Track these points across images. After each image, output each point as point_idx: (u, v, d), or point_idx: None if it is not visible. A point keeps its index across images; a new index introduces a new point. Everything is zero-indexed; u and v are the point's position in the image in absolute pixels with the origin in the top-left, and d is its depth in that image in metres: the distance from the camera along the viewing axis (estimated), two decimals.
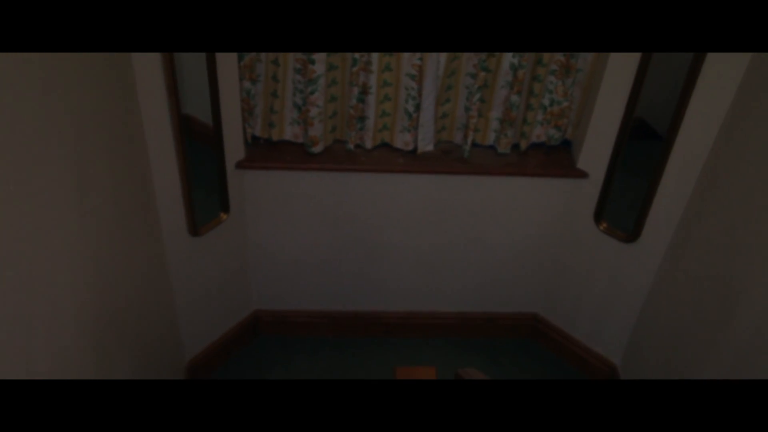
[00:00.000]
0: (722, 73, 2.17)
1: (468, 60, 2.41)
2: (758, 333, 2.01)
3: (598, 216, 2.63)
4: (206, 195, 2.47)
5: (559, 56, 2.39)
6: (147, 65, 1.97)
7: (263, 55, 2.32)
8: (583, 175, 2.56)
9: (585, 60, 2.40)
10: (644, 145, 2.57)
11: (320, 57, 2.26)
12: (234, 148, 2.42)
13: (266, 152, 2.53)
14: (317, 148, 2.49)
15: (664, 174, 2.42)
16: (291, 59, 2.32)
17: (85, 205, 1.65)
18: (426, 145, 2.54)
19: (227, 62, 2.18)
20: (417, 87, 2.38)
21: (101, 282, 1.81)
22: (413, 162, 2.55)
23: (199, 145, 2.36)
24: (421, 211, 2.68)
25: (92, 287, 1.75)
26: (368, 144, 2.55)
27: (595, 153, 2.51)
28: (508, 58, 2.37)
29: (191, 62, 2.14)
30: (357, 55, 2.29)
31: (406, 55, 2.32)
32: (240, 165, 2.46)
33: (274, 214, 2.67)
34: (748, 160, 2.12)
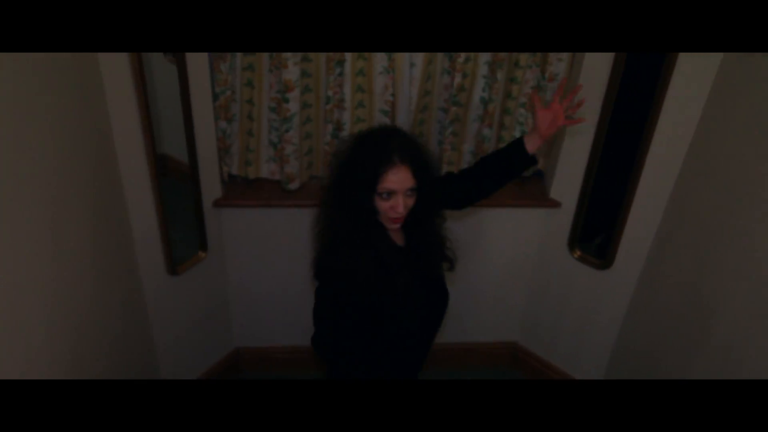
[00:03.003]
0: (687, 98, 2.25)
1: (439, 95, 2.46)
2: (731, 354, 2.05)
3: (572, 244, 2.68)
4: (185, 234, 2.49)
5: (528, 89, 2.45)
6: (122, 104, 2.01)
7: (238, 94, 2.36)
8: (555, 204, 2.61)
9: (553, 92, 2.47)
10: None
11: (294, 95, 2.30)
12: (211, 187, 2.44)
13: (243, 190, 2.56)
14: (294, 185, 2.52)
15: (635, 199, 2.48)
16: (266, 98, 2.37)
17: (59, 246, 1.66)
18: None
19: (202, 102, 2.22)
20: (390, 122, 2.43)
21: (76, 324, 1.81)
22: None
23: (176, 184, 2.39)
24: None
25: (67, 330, 1.75)
26: None
27: (567, 182, 2.57)
28: (478, 92, 2.42)
29: (167, 102, 2.18)
30: (330, 92, 2.34)
31: (378, 90, 2.37)
32: (217, 203, 2.48)
33: (253, 250, 2.69)
34: (714, 183, 2.18)
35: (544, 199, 2.63)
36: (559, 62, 2.40)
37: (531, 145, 1.88)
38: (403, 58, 2.29)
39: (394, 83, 2.34)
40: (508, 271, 2.86)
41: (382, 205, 1.66)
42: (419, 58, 2.33)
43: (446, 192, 1.95)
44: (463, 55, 2.31)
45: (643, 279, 2.58)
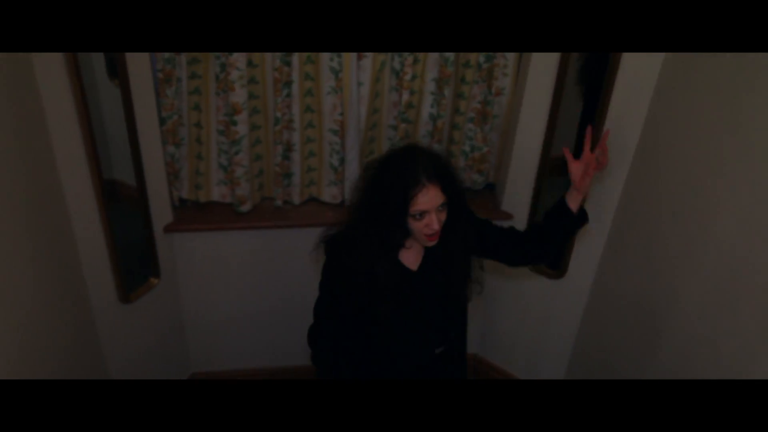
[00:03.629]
0: (630, 103, 2.29)
1: (388, 112, 2.48)
2: (681, 362, 2.09)
3: None
4: (138, 260, 2.45)
5: (476, 104, 2.48)
6: (64, 130, 1.98)
7: (185, 118, 2.34)
8: (508, 216, 2.64)
9: (500, 105, 2.50)
10: (569, 182, 2.67)
11: (242, 118, 2.29)
12: (161, 212, 2.41)
13: (194, 214, 2.53)
14: (245, 207, 2.50)
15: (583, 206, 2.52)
16: (214, 121, 2.35)
17: (1, 278, 1.63)
18: None
19: (149, 126, 2.20)
20: (340, 141, 2.43)
21: (25, 360, 1.77)
22: (342, 215, 2.58)
23: (129, 209, 2.35)
24: None
25: (16, 365, 1.70)
26: (296, 200, 2.58)
27: (518, 194, 2.60)
28: (426, 109, 2.45)
29: (115, 127, 2.15)
30: (279, 113, 2.34)
31: (327, 110, 2.37)
32: (168, 228, 2.45)
33: (207, 275, 2.66)
34: (659, 189, 2.23)
35: (496, 211, 2.65)
36: (504, 77, 2.44)
37: (573, 203, 1.87)
38: (350, 77, 2.30)
39: (342, 102, 2.35)
40: None
41: (416, 225, 1.67)
42: (366, 76, 2.34)
43: (505, 247, 1.94)
44: (410, 73, 2.33)
45: (596, 286, 2.62)
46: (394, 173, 1.64)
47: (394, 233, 1.73)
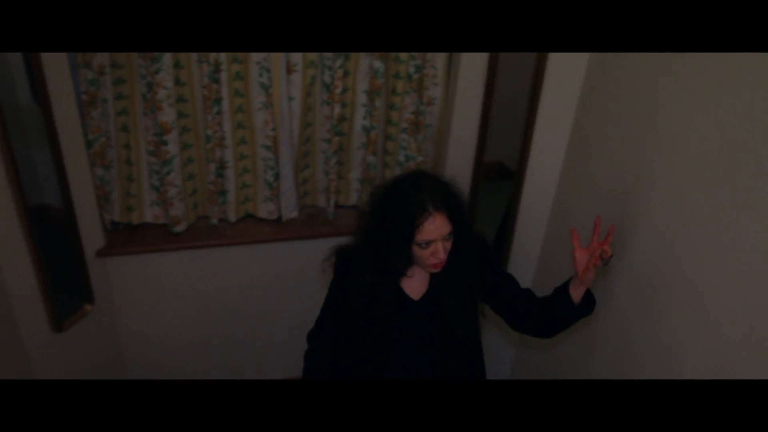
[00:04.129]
0: (558, 108, 2.34)
1: (321, 126, 2.48)
2: (618, 361, 2.13)
3: None
4: (70, 287, 2.38)
5: (408, 114, 2.50)
6: None
7: (114, 140, 2.29)
8: None
9: (433, 115, 2.53)
10: (506, 186, 2.71)
11: (173, 137, 2.26)
12: (92, 237, 2.35)
13: (128, 237, 2.48)
14: (180, 227, 2.46)
15: (520, 212, 2.57)
16: (143, 141, 2.31)
17: None
18: (290, 212, 2.57)
19: (74, 149, 2.14)
20: (274, 157, 2.42)
21: None
22: (279, 230, 2.57)
23: (59, 235, 2.29)
24: (293, 277, 2.69)
25: None
26: (232, 217, 2.55)
27: None
28: (359, 121, 2.45)
29: (40, 152, 2.09)
30: (210, 131, 2.31)
31: (259, 126, 2.36)
32: (101, 253, 2.39)
33: (143, 299, 2.60)
34: (588, 187, 2.27)
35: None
36: (434, 86, 2.46)
37: (576, 294, 1.79)
38: (280, 92, 2.29)
39: (274, 118, 2.34)
40: None
41: (422, 253, 1.66)
42: (297, 91, 2.33)
43: (509, 300, 1.88)
44: (340, 86, 2.33)
45: (535, 287, 2.65)
46: (400, 201, 1.62)
47: (398, 261, 1.72)
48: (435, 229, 1.61)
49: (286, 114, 2.36)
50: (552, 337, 1.92)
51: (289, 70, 2.29)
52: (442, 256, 1.65)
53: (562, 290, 1.81)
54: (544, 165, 2.49)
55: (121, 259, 2.47)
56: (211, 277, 2.63)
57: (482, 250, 1.88)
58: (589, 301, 1.81)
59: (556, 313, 1.82)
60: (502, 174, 2.85)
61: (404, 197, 1.62)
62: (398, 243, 1.65)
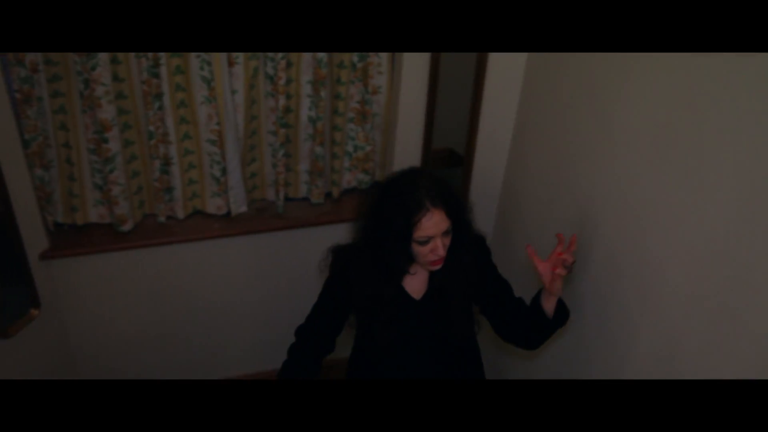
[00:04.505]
0: (500, 103, 2.36)
1: (266, 118, 2.45)
2: (576, 350, 2.16)
3: None
4: (14, 291, 2.32)
5: (354, 104, 2.49)
6: None
7: (52, 139, 2.24)
8: None
9: (379, 104, 2.52)
10: (456, 173, 2.72)
11: (114, 134, 2.21)
12: (35, 239, 2.29)
13: (73, 238, 2.43)
14: (127, 226, 2.42)
15: (470, 197, 2.58)
16: (83, 140, 2.26)
17: None
18: (239, 207, 2.54)
19: (10, 150, 2.08)
20: (220, 151, 2.39)
21: None
22: (229, 225, 2.54)
23: (0, 239, 2.23)
24: (245, 272, 2.67)
25: None
26: (180, 214, 2.51)
27: None
28: (305, 112, 2.43)
29: None
30: (152, 127, 2.27)
31: (202, 120, 2.32)
32: (44, 256, 2.34)
33: (93, 301, 2.55)
34: (535, 183, 2.30)
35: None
36: (379, 75, 2.45)
37: (548, 305, 1.77)
38: (223, 85, 2.26)
39: (218, 112, 2.31)
40: None
41: (421, 250, 1.64)
42: (240, 83, 2.31)
43: (499, 305, 1.85)
44: (284, 77, 2.31)
45: None
46: (397, 199, 1.61)
47: (398, 259, 1.71)
48: (433, 225, 1.60)
49: (230, 107, 2.33)
50: (537, 349, 1.89)
51: (231, 63, 2.26)
52: (442, 252, 1.64)
53: (536, 303, 1.79)
54: (491, 151, 2.51)
55: (66, 261, 2.41)
56: (161, 276, 2.58)
57: (482, 250, 1.88)
58: (562, 311, 1.81)
59: (534, 326, 1.80)
60: (452, 161, 2.86)
61: (400, 195, 1.61)
62: (397, 241, 1.64)
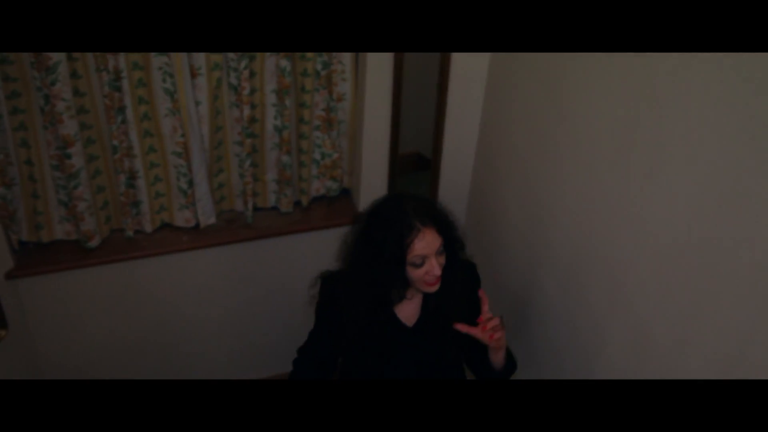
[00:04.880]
0: (465, 103, 2.38)
1: (232, 129, 2.44)
2: (545, 342, 2.18)
3: None
4: None
5: (320, 112, 2.49)
6: None
7: (13, 157, 2.21)
8: None
9: (344, 111, 2.53)
10: (425, 176, 2.73)
11: (77, 150, 2.19)
12: (0, 258, 2.26)
13: (39, 256, 2.39)
14: (94, 242, 2.39)
15: (438, 200, 2.59)
16: (45, 156, 2.24)
17: None
18: (208, 219, 2.53)
19: None
20: (186, 163, 2.37)
21: None
22: (198, 237, 2.53)
23: None
24: (216, 284, 2.65)
25: None
26: (148, 228, 2.50)
27: (373, 196, 2.55)
28: (270, 121, 2.43)
29: None
30: (116, 141, 2.25)
31: (167, 133, 2.31)
32: (10, 275, 2.30)
33: (62, 319, 2.52)
34: (502, 180, 2.32)
35: (354, 215, 2.67)
36: (343, 82, 2.46)
37: (495, 359, 1.78)
38: (186, 97, 2.25)
39: (182, 124, 2.29)
40: None
41: (417, 273, 1.62)
42: (203, 95, 2.30)
43: (479, 355, 1.82)
44: (248, 87, 2.31)
45: None
46: (385, 224, 1.60)
47: (394, 285, 1.70)
48: (426, 244, 1.59)
49: (194, 119, 2.32)
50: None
51: (194, 74, 2.25)
52: (438, 271, 1.62)
53: (486, 361, 1.79)
54: (458, 153, 2.53)
55: (33, 279, 2.38)
56: (131, 292, 2.56)
57: (473, 279, 1.87)
58: (510, 361, 1.83)
59: (489, 375, 1.83)
60: (420, 164, 2.87)
61: (388, 219, 1.61)
62: (391, 267, 1.62)
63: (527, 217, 2.18)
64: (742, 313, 1.35)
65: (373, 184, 2.60)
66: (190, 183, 2.42)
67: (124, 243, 2.48)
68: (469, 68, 2.37)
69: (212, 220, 2.55)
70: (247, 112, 2.36)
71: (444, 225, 1.65)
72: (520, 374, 2.31)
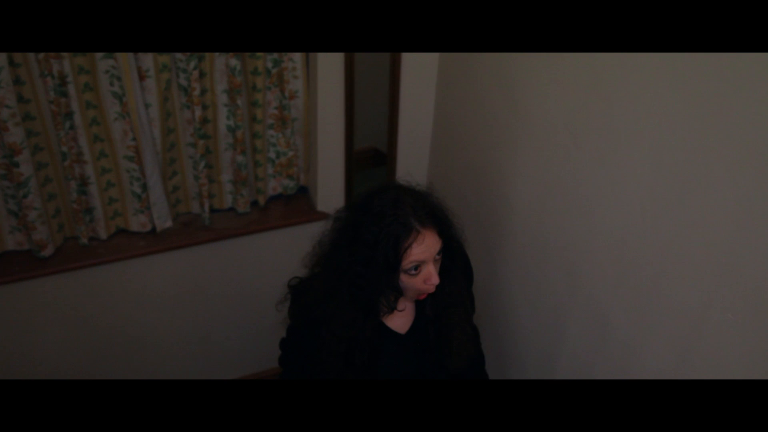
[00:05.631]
0: (419, 100, 2.39)
1: (184, 130, 2.42)
2: (509, 329, 2.20)
3: None
4: None
5: (272, 110, 2.47)
6: None
7: None
8: (324, 216, 2.66)
9: (297, 108, 2.52)
10: (383, 172, 2.74)
11: (25, 158, 2.15)
12: None
13: None
14: (47, 252, 2.35)
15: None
16: None
17: None
18: (164, 222, 2.50)
19: None
20: (138, 167, 2.34)
21: None
22: (155, 242, 2.50)
23: None
24: (176, 288, 2.62)
25: None
26: (103, 234, 2.46)
27: (331, 193, 2.63)
28: (223, 121, 2.41)
29: None
30: (65, 148, 2.21)
31: (117, 137, 2.28)
32: None
33: (17, 332, 2.46)
34: (455, 167, 2.33)
35: (313, 213, 2.67)
36: (295, 80, 2.45)
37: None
38: (135, 100, 2.22)
39: (132, 127, 2.26)
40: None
41: (411, 281, 1.41)
42: (153, 97, 2.27)
43: None
44: (198, 88, 2.28)
45: None
46: (378, 223, 1.37)
47: (383, 296, 1.46)
48: (425, 249, 1.38)
49: (144, 122, 2.29)
50: None
51: (142, 77, 2.22)
52: (436, 279, 1.41)
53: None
54: (413, 147, 2.54)
55: None
56: (89, 300, 2.52)
57: (468, 271, 1.70)
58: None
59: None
60: (377, 160, 2.88)
61: (382, 218, 1.37)
62: (382, 274, 1.39)
63: (485, 208, 2.20)
64: (695, 294, 1.38)
65: (329, 182, 2.60)
66: (144, 187, 2.39)
67: (79, 251, 2.43)
68: (420, 63, 2.38)
69: (168, 224, 2.52)
70: (198, 113, 2.33)
71: (444, 224, 1.45)
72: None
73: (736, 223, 1.26)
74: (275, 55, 2.34)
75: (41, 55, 2.03)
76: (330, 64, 2.33)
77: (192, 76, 2.26)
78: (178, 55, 2.23)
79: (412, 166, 2.59)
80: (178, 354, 2.83)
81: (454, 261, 1.54)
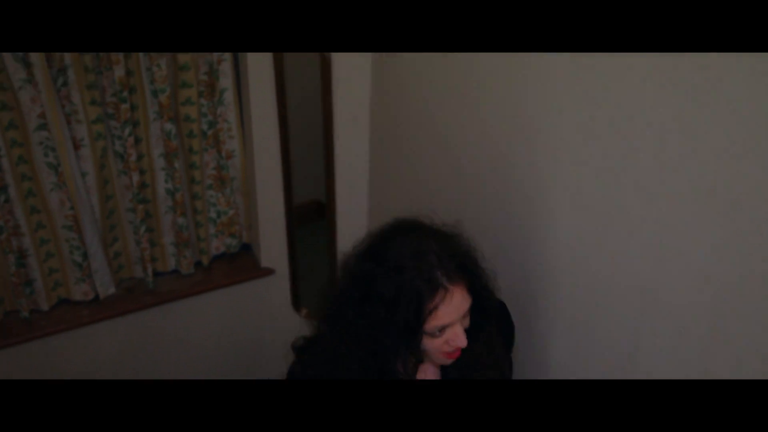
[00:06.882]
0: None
1: (122, 196, 2.44)
2: None
3: (297, 305, 2.76)
4: None
5: (211, 171, 2.51)
6: None
7: None
8: (269, 272, 2.69)
9: (235, 168, 2.56)
10: (325, 224, 2.77)
11: None
12: None
13: None
14: None
15: (338, 248, 2.64)
16: None
17: None
18: (107, 289, 2.49)
19: None
20: (78, 236, 2.34)
21: None
22: (99, 310, 2.48)
23: None
24: (122, 355, 2.60)
25: None
26: (44, 306, 2.43)
27: (274, 249, 2.66)
28: (161, 185, 2.44)
29: None
30: (1, 222, 2.20)
31: (55, 207, 2.28)
32: None
33: None
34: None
35: (257, 270, 2.69)
36: (231, 139, 2.50)
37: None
38: (71, 169, 2.23)
39: (69, 196, 2.27)
40: (243, 348, 2.85)
41: (434, 344, 1.20)
42: (89, 165, 2.29)
43: None
44: (134, 153, 2.31)
45: None
46: (398, 277, 1.14)
47: (399, 364, 1.24)
48: (454, 309, 1.16)
49: (82, 191, 2.30)
50: None
51: (77, 146, 2.24)
52: (464, 342, 1.20)
53: None
54: (352, 193, 2.58)
55: None
56: (33, 374, 2.47)
57: (506, 320, 1.48)
58: None
59: None
60: (320, 212, 2.92)
61: (402, 271, 1.15)
62: (401, 339, 1.18)
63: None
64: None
65: (271, 237, 2.63)
66: (85, 255, 2.39)
67: (20, 324, 2.40)
68: (353, 103, 2.38)
69: (112, 290, 2.51)
70: (136, 178, 2.35)
71: (475, 276, 1.22)
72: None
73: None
74: (209, 116, 2.39)
75: None
76: (263, 120, 2.35)
77: (127, 142, 2.29)
78: (112, 123, 2.26)
79: (353, 210, 2.62)
80: None
81: (488, 317, 1.30)
